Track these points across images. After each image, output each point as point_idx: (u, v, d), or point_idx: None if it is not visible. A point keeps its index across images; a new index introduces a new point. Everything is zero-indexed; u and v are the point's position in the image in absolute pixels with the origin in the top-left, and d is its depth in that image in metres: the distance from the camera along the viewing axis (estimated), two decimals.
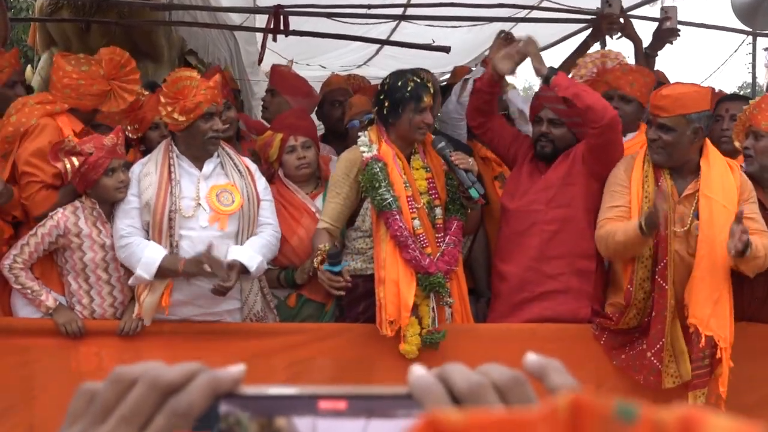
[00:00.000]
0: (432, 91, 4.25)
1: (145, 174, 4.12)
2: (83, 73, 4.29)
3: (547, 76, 4.21)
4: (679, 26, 6.00)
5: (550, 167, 4.40)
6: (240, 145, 5.05)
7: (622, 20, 5.79)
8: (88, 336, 4.16)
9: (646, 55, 5.64)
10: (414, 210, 4.19)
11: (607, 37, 6.27)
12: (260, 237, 4.23)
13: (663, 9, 5.71)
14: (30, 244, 4.08)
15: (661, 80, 6.07)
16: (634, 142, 4.64)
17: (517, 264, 4.37)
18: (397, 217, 4.14)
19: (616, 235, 3.94)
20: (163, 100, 4.07)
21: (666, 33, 5.68)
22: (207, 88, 4.10)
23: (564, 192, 4.32)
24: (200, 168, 4.21)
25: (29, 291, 4.11)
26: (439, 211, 4.25)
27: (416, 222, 4.19)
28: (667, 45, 5.81)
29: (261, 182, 4.34)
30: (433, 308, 4.15)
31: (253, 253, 4.13)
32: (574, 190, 4.31)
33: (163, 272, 4.02)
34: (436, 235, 4.22)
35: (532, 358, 0.71)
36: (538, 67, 4.26)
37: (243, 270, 4.08)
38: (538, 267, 4.32)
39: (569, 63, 5.42)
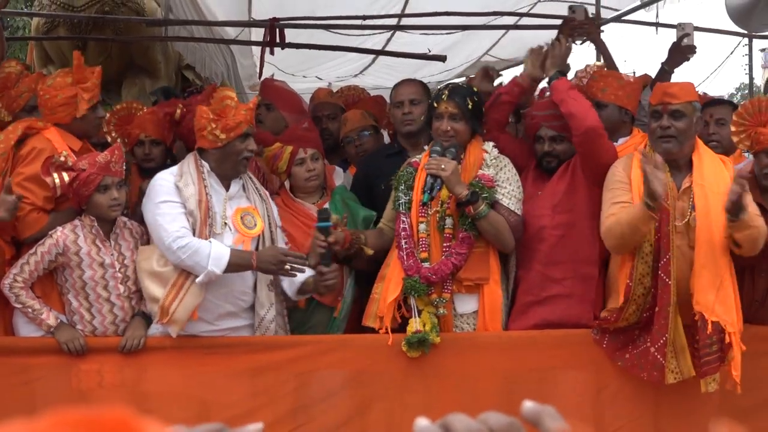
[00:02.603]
0: (445, 98, 4.33)
1: (185, 184, 4.12)
2: (49, 88, 4.28)
3: (551, 79, 4.35)
4: (673, 29, 6.02)
5: (554, 174, 4.44)
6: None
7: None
8: (89, 353, 4.15)
9: (663, 71, 5.67)
10: (424, 215, 4.27)
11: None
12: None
13: (680, 25, 5.71)
14: (30, 263, 4.09)
15: (646, 83, 6.10)
16: (626, 146, 4.65)
17: (526, 268, 4.42)
18: (404, 218, 4.28)
19: (622, 219, 3.96)
20: (210, 116, 4.10)
21: (685, 49, 5.70)
22: (247, 109, 4.17)
23: (568, 198, 4.36)
24: (227, 188, 4.24)
25: (30, 310, 4.11)
26: (449, 220, 4.27)
27: (422, 226, 4.28)
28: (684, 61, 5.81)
29: (275, 207, 4.43)
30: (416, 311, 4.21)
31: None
32: (577, 196, 4.35)
33: (232, 267, 4.03)
34: (444, 243, 4.26)
35: (528, 405, 0.76)
36: (549, 68, 4.42)
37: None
38: (544, 271, 4.35)
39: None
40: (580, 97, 4.31)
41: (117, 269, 4.16)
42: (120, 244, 4.20)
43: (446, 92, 4.37)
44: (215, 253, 3.99)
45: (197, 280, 4.01)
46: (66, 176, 4.01)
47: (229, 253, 4.02)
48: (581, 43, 5.72)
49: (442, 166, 4.12)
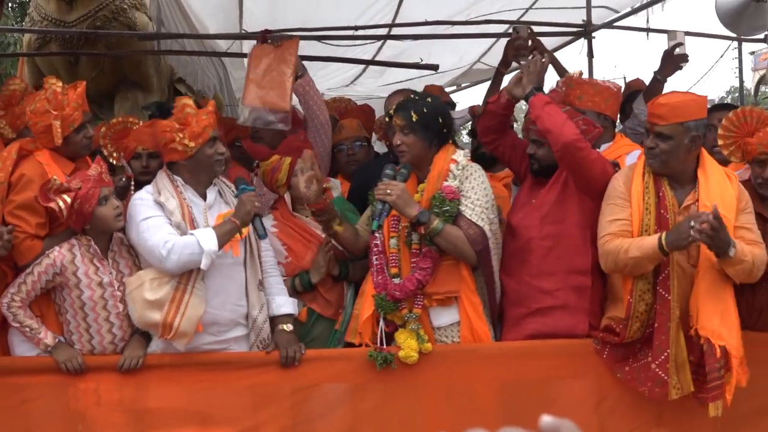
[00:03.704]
0: (393, 113, 4.33)
1: (166, 199, 4.11)
2: (32, 114, 4.22)
3: (528, 95, 4.31)
4: (664, 34, 6.05)
5: (548, 182, 4.42)
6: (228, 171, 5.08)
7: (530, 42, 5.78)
8: (87, 372, 4.12)
9: (656, 80, 5.68)
10: (395, 229, 4.28)
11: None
12: (277, 276, 4.43)
13: (672, 34, 5.72)
14: (27, 283, 4.07)
15: (639, 88, 6.11)
16: (608, 152, 4.66)
17: (516, 279, 4.39)
18: (377, 233, 4.29)
19: (630, 251, 3.92)
20: (176, 126, 4.10)
21: (677, 59, 5.71)
22: (207, 113, 4.17)
23: (558, 209, 4.33)
24: (203, 197, 4.24)
25: (28, 329, 4.09)
26: (416, 236, 4.25)
27: (393, 241, 4.28)
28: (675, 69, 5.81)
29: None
30: (416, 329, 4.21)
31: (291, 299, 4.40)
32: (567, 207, 4.32)
33: (222, 238, 4.04)
34: (412, 259, 4.25)
35: (547, 420, 0.74)
36: (525, 86, 4.34)
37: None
38: (535, 283, 4.33)
39: (490, 93, 5.56)
40: (556, 111, 4.25)
41: (116, 287, 4.13)
42: (118, 262, 4.18)
43: (394, 106, 4.38)
44: (201, 236, 4.00)
45: (202, 265, 3.99)
46: (67, 198, 3.99)
47: (213, 229, 4.05)
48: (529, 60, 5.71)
49: (388, 191, 4.12)
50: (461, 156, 4.34)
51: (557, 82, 5.06)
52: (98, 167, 4.12)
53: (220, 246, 4.03)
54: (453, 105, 5.88)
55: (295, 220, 4.60)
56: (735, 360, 3.85)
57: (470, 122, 5.31)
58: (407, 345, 4.16)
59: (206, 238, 3.99)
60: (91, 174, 4.07)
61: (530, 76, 4.36)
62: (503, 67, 5.84)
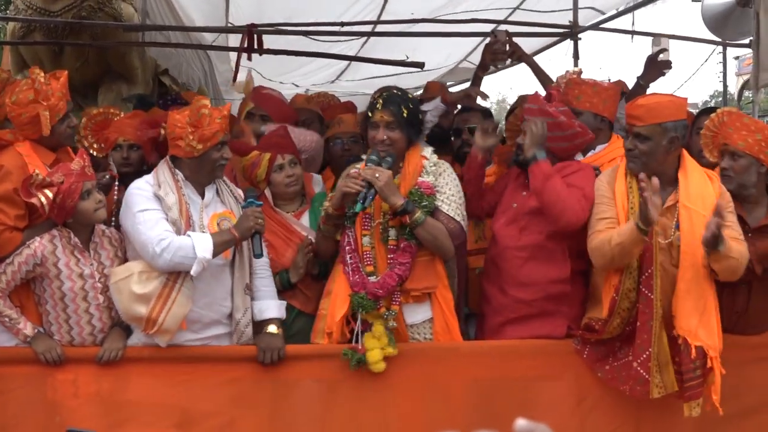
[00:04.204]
0: (379, 107, 4.25)
1: (165, 193, 4.08)
2: (14, 105, 4.19)
3: (529, 160, 4.25)
4: (649, 37, 6.07)
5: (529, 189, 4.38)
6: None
7: (508, 46, 5.78)
8: (65, 363, 4.09)
9: (638, 86, 5.69)
10: (368, 227, 4.24)
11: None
12: (267, 278, 4.38)
13: (656, 39, 5.74)
14: (7, 273, 4.04)
15: (623, 90, 6.13)
16: (604, 153, 4.66)
17: (498, 287, 4.41)
18: (348, 232, 4.25)
19: (613, 240, 3.95)
20: (188, 129, 4.06)
21: (661, 64, 5.73)
22: (222, 117, 4.13)
23: (536, 221, 4.31)
24: (202, 195, 4.22)
25: (7, 319, 4.06)
26: (393, 231, 4.24)
27: (366, 239, 4.25)
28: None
29: None
30: (389, 328, 4.18)
31: (277, 302, 4.36)
32: (546, 218, 4.29)
33: (218, 247, 4.02)
34: (389, 255, 4.22)
35: (521, 423, 0.74)
36: (527, 148, 4.30)
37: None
38: (513, 292, 4.34)
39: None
40: (558, 186, 4.20)
41: (97, 279, 4.11)
42: (100, 254, 4.16)
43: (381, 101, 4.28)
44: (198, 241, 3.97)
45: (192, 271, 3.96)
46: (49, 193, 3.97)
47: (211, 236, 4.02)
48: (508, 66, 5.72)
49: (377, 175, 4.09)
50: (430, 152, 4.37)
51: (556, 79, 5.05)
52: (81, 161, 4.09)
53: (215, 255, 4.01)
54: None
55: (277, 216, 4.59)
56: (715, 360, 3.88)
57: (446, 111, 5.28)
58: (373, 355, 4.13)
59: (202, 245, 3.97)
60: (74, 168, 4.04)
61: (533, 138, 4.28)
62: (481, 70, 5.84)
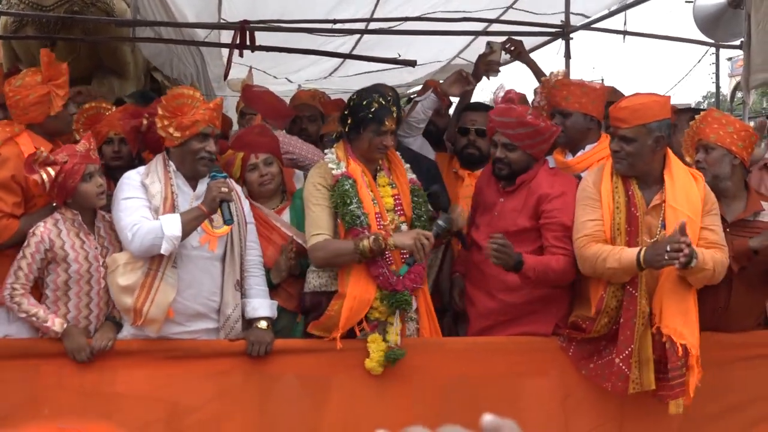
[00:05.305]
0: (395, 114, 4.25)
1: (151, 182, 4.10)
2: (19, 88, 4.24)
3: (516, 266, 4.13)
4: (644, 38, 6.06)
5: (509, 192, 4.38)
6: None
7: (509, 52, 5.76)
8: (51, 355, 4.09)
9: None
10: (381, 227, 4.21)
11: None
12: (260, 277, 4.36)
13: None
14: (23, 268, 4.02)
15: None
16: (593, 153, 4.67)
17: (483, 291, 4.41)
18: (366, 233, 4.18)
19: (607, 262, 3.96)
20: (161, 112, 4.08)
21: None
22: (206, 108, 4.13)
23: (516, 238, 4.22)
24: (194, 187, 4.22)
25: (35, 318, 4.04)
26: (405, 228, 4.25)
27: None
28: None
29: (246, 205, 4.39)
30: (398, 325, 4.18)
31: (269, 302, 4.34)
32: (525, 235, 4.28)
33: (187, 225, 4.00)
34: (402, 252, 4.21)
35: (488, 419, 0.76)
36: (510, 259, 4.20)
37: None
38: (501, 297, 4.35)
39: (459, 112, 5.59)
40: (550, 270, 4.16)
41: (100, 263, 4.12)
42: (104, 237, 4.18)
43: (395, 108, 4.25)
44: (166, 221, 3.98)
45: (162, 249, 3.96)
46: (51, 171, 3.97)
47: (179, 215, 4.01)
48: (495, 77, 5.66)
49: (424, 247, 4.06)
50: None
51: (542, 81, 5.01)
52: (87, 143, 4.11)
53: (186, 232, 4.00)
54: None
55: (257, 211, 4.51)
56: (693, 358, 3.90)
57: (439, 108, 5.28)
58: (376, 357, 4.15)
59: (170, 224, 3.97)
60: (79, 149, 4.06)
61: (502, 261, 4.12)
62: (474, 80, 5.81)
